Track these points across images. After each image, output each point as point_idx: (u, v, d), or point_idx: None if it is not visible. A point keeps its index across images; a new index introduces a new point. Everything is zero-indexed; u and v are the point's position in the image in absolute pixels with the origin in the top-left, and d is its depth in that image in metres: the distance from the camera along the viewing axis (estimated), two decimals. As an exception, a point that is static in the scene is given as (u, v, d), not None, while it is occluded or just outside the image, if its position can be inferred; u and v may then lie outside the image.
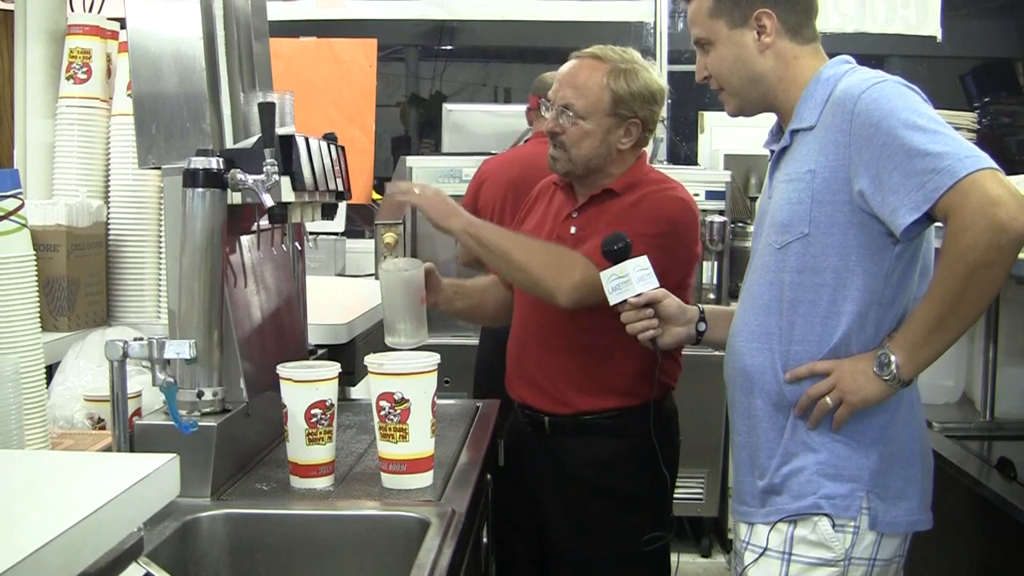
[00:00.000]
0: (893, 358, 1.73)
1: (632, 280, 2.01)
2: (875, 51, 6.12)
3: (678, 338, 2.09)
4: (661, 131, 5.01)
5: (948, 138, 1.67)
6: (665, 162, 4.76)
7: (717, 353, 2.13)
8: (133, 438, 1.74)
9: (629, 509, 2.43)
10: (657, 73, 2.46)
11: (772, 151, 1.95)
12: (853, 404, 1.77)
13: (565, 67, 2.45)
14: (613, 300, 2.03)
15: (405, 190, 2.35)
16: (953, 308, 1.68)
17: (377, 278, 3.82)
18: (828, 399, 1.78)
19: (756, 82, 1.90)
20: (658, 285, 2.03)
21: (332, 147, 2.20)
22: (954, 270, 1.66)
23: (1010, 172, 1.80)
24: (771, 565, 1.85)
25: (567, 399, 2.43)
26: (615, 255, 2.03)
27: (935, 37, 5.27)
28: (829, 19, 5.23)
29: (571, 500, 2.45)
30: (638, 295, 2.01)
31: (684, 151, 5.45)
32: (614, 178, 2.43)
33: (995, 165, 1.65)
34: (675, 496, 2.55)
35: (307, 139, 2.02)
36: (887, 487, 1.82)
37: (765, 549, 1.86)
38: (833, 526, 1.80)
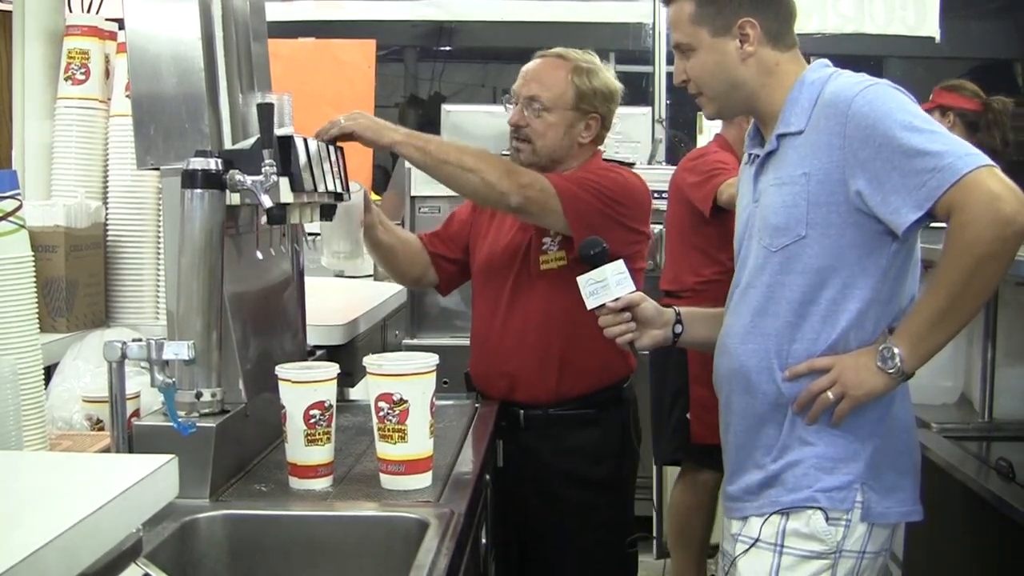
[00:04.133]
0: (896, 351, 1.75)
1: (610, 284, 2.00)
2: (874, 52, 6.13)
3: (655, 340, 2.08)
4: (660, 132, 5.01)
5: (945, 137, 1.71)
6: (664, 163, 4.76)
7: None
8: (132, 439, 1.74)
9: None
10: (614, 74, 2.60)
11: (753, 155, 1.95)
12: (856, 398, 1.79)
13: (529, 65, 2.58)
14: (591, 304, 2.02)
15: (330, 127, 2.27)
16: (956, 301, 1.71)
17: (376, 279, 3.82)
18: (830, 394, 1.79)
19: (737, 88, 1.91)
20: (635, 289, 2.03)
21: (331, 148, 2.20)
22: (959, 263, 1.68)
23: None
24: (762, 557, 1.85)
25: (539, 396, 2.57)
26: (592, 259, 2.01)
27: (934, 38, 5.28)
28: (828, 20, 5.23)
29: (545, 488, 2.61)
30: (616, 299, 2.00)
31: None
32: (572, 170, 2.53)
33: (993, 162, 1.68)
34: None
35: (306, 140, 2.02)
36: (881, 479, 1.83)
37: (756, 540, 1.86)
38: (827, 519, 1.81)
